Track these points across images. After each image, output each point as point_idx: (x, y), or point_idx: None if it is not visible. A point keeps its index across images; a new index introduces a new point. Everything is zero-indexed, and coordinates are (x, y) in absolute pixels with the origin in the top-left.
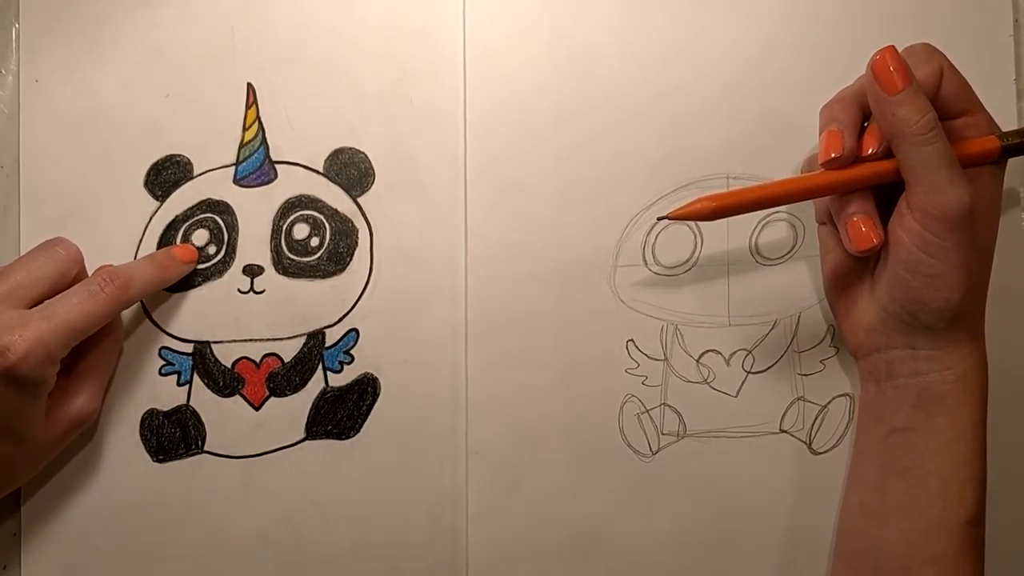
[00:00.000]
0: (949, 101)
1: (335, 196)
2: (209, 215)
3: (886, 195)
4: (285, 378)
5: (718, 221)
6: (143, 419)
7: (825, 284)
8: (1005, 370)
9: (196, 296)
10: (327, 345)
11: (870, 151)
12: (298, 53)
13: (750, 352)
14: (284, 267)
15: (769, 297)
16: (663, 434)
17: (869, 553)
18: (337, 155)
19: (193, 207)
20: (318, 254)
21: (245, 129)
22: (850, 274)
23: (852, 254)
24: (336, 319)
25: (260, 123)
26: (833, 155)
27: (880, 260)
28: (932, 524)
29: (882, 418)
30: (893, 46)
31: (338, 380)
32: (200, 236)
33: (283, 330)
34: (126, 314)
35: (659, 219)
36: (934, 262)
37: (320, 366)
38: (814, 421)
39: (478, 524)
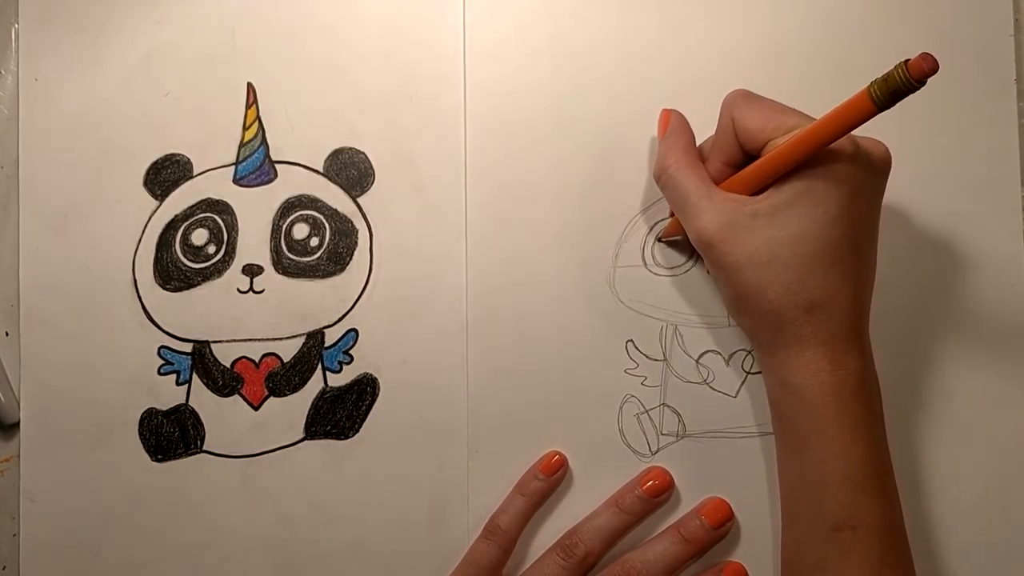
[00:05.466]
0: (748, 144)
1: (335, 196)
2: (209, 215)
3: None
4: (284, 378)
5: None
6: (142, 418)
7: None
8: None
9: (195, 296)
10: (326, 345)
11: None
12: (298, 53)
13: (750, 353)
14: (284, 267)
15: None
16: (662, 434)
17: (783, 560)
18: (337, 155)
19: (193, 206)
20: (318, 254)
21: (245, 129)
22: None
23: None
24: (335, 319)
25: (260, 123)
26: None
27: None
28: (805, 530)
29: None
30: (667, 111)
31: (337, 380)
32: (200, 235)
33: (282, 330)
34: (125, 312)
35: (658, 239)
36: (710, 271)
37: (319, 366)
38: None
39: (478, 524)
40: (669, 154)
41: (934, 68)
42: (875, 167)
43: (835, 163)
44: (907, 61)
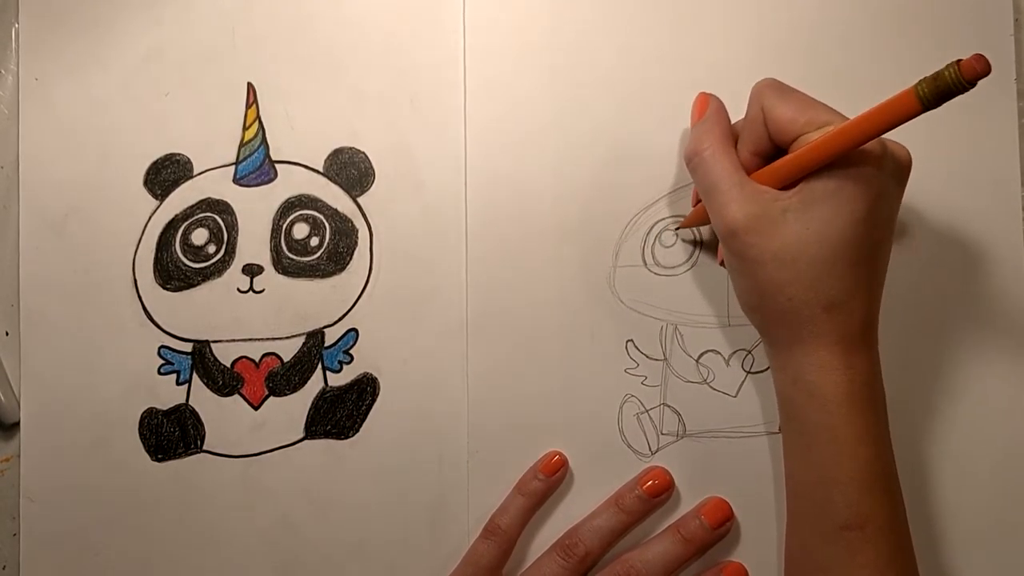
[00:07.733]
0: (778, 137)
1: (335, 196)
2: (209, 214)
3: None
4: (284, 378)
5: None
6: (142, 418)
7: None
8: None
9: (195, 295)
10: (326, 345)
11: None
12: (298, 53)
13: (750, 352)
14: (284, 267)
15: None
16: (662, 434)
17: (787, 560)
18: (337, 155)
19: (193, 206)
20: (318, 254)
21: (245, 128)
22: None
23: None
24: (336, 319)
25: (260, 122)
26: None
27: None
28: (812, 531)
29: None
30: (704, 94)
31: (337, 380)
32: (200, 235)
33: (282, 329)
34: (125, 312)
35: (676, 229)
36: (729, 262)
37: (319, 366)
38: None
39: (478, 524)
40: (705, 138)
41: (987, 70)
42: (899, 170)
43: (865, 164)
44: (959, 61)
